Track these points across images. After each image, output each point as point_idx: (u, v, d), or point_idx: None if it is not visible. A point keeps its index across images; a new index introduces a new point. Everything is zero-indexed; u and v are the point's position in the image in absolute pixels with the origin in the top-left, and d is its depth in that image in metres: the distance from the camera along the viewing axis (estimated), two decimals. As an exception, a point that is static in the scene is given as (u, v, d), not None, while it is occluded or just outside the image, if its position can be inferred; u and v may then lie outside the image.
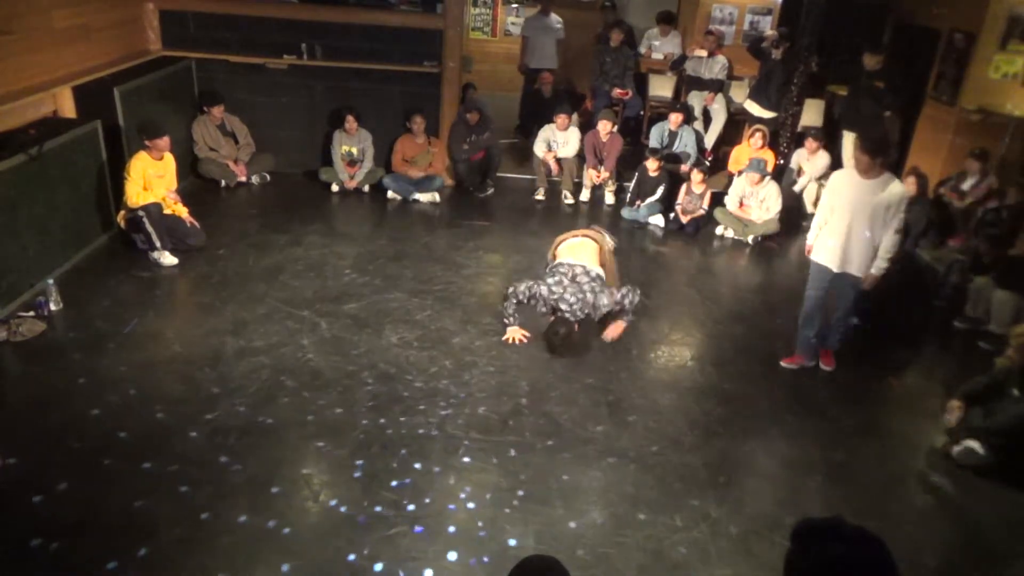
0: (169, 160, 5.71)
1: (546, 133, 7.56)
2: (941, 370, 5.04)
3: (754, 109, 7.92)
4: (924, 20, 7.97)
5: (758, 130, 7.46)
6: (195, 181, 7.14)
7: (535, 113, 8.44)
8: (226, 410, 3.91)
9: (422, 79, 7.38)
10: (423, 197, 7.22)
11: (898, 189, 4.25)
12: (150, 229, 5.41)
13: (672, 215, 7.02)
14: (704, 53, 8.39)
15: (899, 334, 5.38)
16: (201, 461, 3.53)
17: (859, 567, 1.43)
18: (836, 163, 7.60)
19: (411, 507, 3.35)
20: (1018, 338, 4.02)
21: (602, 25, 9.13)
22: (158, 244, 5.45)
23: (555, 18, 8.85)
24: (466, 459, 3.70)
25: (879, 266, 4.40)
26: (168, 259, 5.47)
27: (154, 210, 5.42)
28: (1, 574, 2.90)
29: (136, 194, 5.38)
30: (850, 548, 1.45)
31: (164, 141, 5.51)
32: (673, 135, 7.79)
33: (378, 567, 3.02)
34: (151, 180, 5.51)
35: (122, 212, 5.56)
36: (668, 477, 3.69)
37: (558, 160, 7.51)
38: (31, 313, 4.61)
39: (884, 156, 4.20)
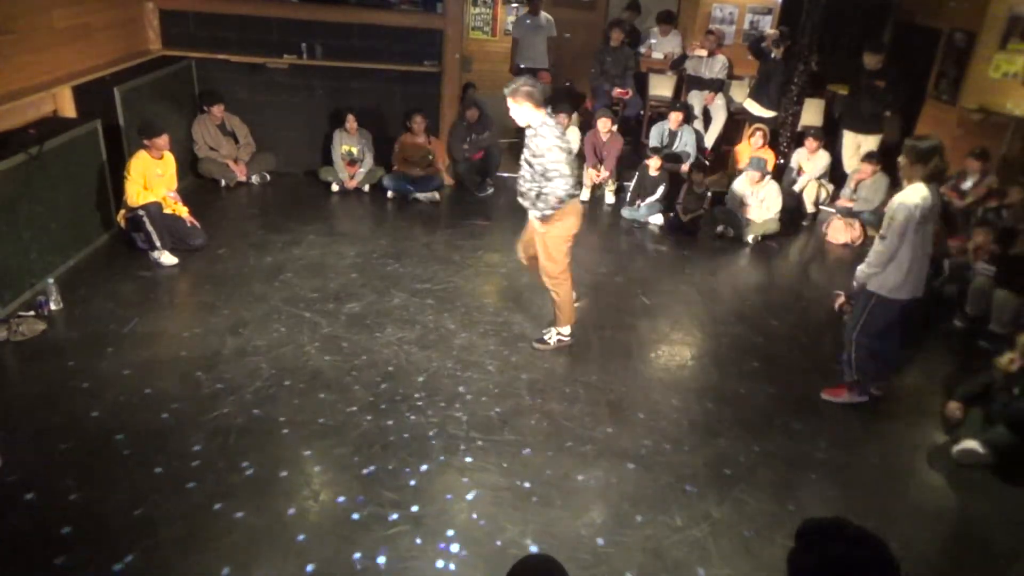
0: (169, 159, 5.71)
1: (546, 132, 7.53)
2: (941, 370, 5.03)
3: (754, 108, 7.92)
4: (924, 19, 7.97)
5: (758, 129, 7.47)
6: (195, 181, 7.14)
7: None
8: (226, 409, 3.91)
9: (422, 79, 7.38)
10: (423, 197, 7.22)
11: (896, 199, 3.93)
12: (150, 228, 5.41)
13: (672, 214, 7.02)
14: (704, 52, 8.37)
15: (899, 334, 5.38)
16: (201, 460, 3.53)
17: (861, 567, 1.44)
18: (836, 162, 7.62)
19: (411, 506, 3.35)
20: None
21: (628, 26, 8.98)
22: (158, 243, 5.45)
23: (545, 16, 8.71)
24: (466, 458, 3.70)
25: (859, 271, 4.11)
26: (168, 259, 5.47)
27: (154, 209, 5.43)
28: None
29: (136, 193, 5.38)
30: (852, 548, 1.45)
31: (163, 140, 5.51)
32: (673, 135, 7.79)
33: (378, 566, 3.02)
34: (151, 179, 5.52)
35: (122, 211, 5.57)
36: (668, 477, 3.69)
37: (558, 160, 7.49)
38: (31, 312, 4.61)
39: (922, 163, 3.87)
